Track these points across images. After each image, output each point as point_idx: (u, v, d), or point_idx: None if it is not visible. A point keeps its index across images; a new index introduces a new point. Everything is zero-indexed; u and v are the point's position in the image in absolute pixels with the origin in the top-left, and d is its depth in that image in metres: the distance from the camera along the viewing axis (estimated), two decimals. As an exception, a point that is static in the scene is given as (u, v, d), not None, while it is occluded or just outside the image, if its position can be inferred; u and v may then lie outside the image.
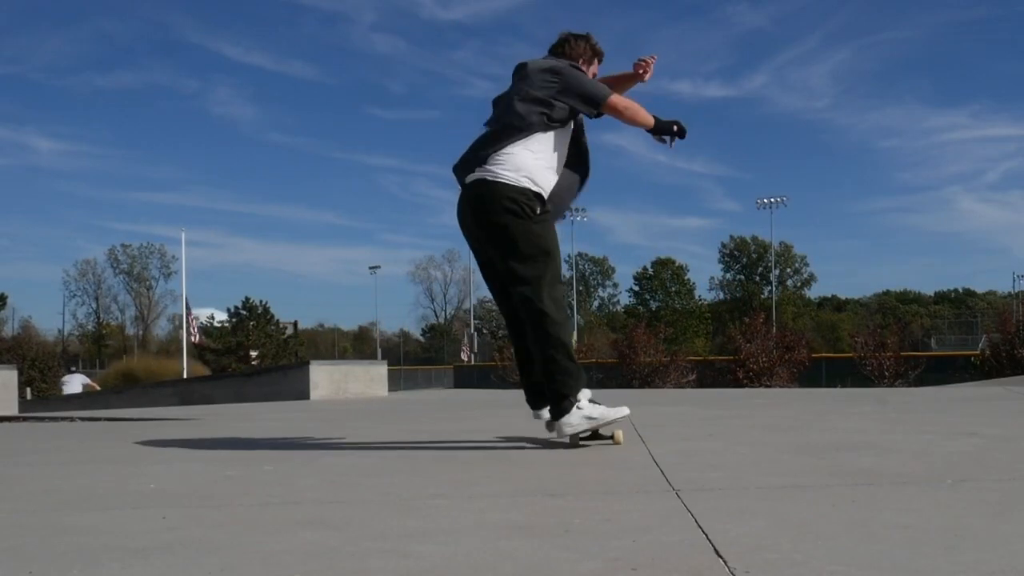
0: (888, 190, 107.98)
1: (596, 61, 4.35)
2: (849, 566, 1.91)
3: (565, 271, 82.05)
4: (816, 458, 3.62)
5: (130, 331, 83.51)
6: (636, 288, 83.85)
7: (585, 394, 4.05)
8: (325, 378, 12.02)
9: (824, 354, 39.28)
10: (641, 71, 4.45)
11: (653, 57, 4.44)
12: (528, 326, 4.03)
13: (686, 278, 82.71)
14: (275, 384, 12.98)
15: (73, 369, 31.95)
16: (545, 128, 4.05)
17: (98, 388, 23.14)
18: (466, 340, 56.83)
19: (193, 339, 42.99)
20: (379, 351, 73.25)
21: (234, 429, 6.11)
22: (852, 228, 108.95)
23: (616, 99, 4.09)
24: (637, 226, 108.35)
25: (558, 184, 4.13)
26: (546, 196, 4.08)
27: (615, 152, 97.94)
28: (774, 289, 77.40)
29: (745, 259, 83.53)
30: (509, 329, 4.34)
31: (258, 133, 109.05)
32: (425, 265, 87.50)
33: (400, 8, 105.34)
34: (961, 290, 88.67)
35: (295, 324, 59.41)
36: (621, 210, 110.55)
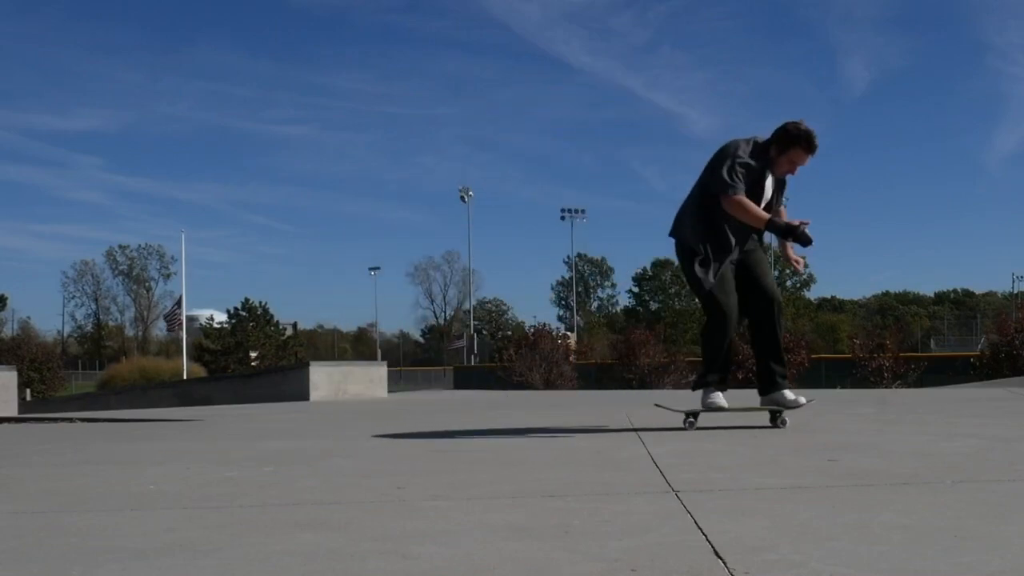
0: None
1: (786, 150, 4.74)
2: (849, 567, 1.91)
3: (565, 271, 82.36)
4: (816, 459, 3.62)
5: (130, 332, 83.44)
6: (635, 289, 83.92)
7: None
8: (324, 379, 12.02)
9: (823, 355, 39.28)
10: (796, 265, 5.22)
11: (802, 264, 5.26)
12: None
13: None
14: (275, 385, 12.98)
15: None
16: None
17: None
18: (465, 342, 56.80)
19: (179, 327, 42.75)
20: (379, 352, 73.24)
21: (234, 429, 6.11)
22: (853, 228, 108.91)
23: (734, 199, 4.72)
24: (637, 225, 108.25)
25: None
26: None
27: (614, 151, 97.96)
28: (772, 290, 77.20)
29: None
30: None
31: (259, 131, 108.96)
32: (425, 266, 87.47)
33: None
34: (960, 290, 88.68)
35: (294, 325, 59.41)
36: (620, 209, 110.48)
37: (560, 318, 79.13)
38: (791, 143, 4.67)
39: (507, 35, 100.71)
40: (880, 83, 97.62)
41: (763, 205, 4.80)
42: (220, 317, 52.51)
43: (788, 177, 4.95)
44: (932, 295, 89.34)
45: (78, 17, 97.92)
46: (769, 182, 4.84)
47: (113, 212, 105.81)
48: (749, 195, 4.69)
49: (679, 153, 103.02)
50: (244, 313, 50.49)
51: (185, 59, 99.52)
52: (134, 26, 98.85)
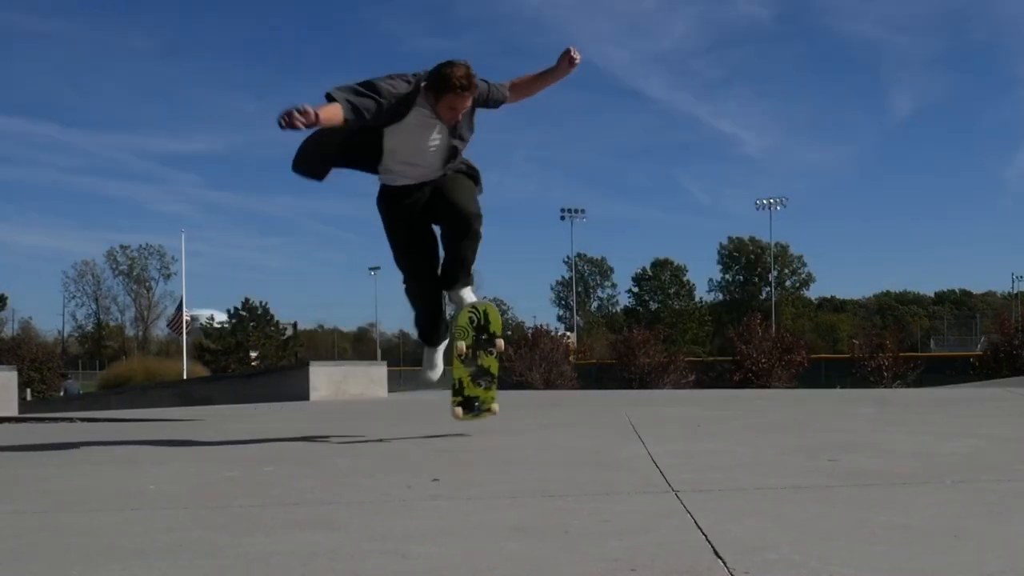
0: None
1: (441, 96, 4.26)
2: (848, 566, 1.91)
3: (564, 272, 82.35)
4: (815, 458, 3.62)
5: (130, 332, 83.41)
6: (635, 289, 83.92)
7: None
8: (324, 379, 12.01)
9: (823, 355, 39.30)
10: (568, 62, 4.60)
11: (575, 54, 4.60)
12: None
13: (685, 279, 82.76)
14: (274, 385, 12.97)
15: (69, 377, 32.05)
16: None
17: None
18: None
19: (187, 327, 42.85)
20: (379, 352, 73.15)
21: (234, 429, 6.11)
22: (853, 228, 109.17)
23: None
24: (637, 226, 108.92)
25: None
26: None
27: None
28: (772, 290, 77.37)
29: (744, 260, 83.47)
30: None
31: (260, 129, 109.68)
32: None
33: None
34: (960, 291, 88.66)
35: (294, 325, 59.33)
36: (619, 210, 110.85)
37: (560, 318, 79.14)
38: (441, 88, 4.19)
39: (594, 73, 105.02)
40: (921, 112, 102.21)
41: (419, 147, 4.36)
42: (220, 317, 52.53)
43: None
44: (932, 295, 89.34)
45: (223, 57, 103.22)
46: (436, 130, 4.36)
47: (191, 222, 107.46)
48: (391, 126, 4.28)
49: (726, 169, 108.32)
50: (244, 313, 50.54)
51: (304, 94, 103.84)
52: (262, 64, 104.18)
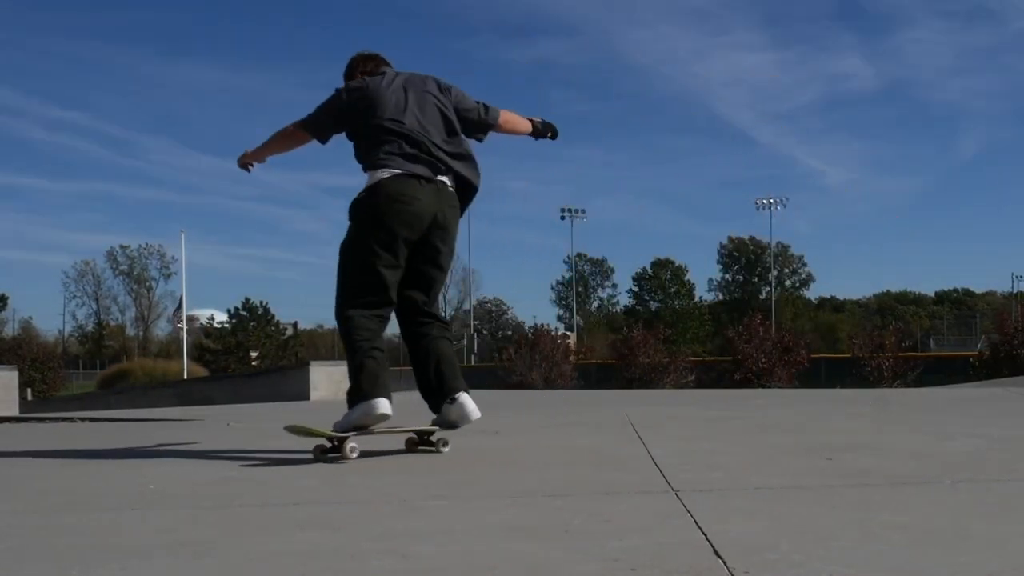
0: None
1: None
2: (849, 566, 1.91)
3: (565, 271, 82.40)
4: (815, 458, 3.62)
5: (130, 332, 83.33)
6: (635, 289, 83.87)
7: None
8: (325, 379, 12.03)
9: (823, 355, 39.27)
10: None
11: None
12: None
13: (685, 279, 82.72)
14: (275, 385, 13.00)
15: None
16: None
17: None
18: (466, 341, 56.83)
19: (179, 326, 42.87)
20: (379, 352, 72.87)
21: (234, 429, 6.11)
22: (853, 227, 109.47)
23: None
24: (636, 226, 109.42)
25: None
26: None
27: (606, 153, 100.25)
28: (772, 290, 77.36)
29: (744, 260, 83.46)
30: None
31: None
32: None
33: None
34: (960, 290, 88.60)
35: (295, 325, 59.29)
36: (620, 210, 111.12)
37: (560, 318, 79.07)
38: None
39: (718, 124, 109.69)
40: (985, 152, 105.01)
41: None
42: (221, 317, 52.48)
43: None
44: (932, 295, 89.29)
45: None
46: None
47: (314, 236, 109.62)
48: None
49: (798, 196, 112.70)
50: (245, 313, 50.47)
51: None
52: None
